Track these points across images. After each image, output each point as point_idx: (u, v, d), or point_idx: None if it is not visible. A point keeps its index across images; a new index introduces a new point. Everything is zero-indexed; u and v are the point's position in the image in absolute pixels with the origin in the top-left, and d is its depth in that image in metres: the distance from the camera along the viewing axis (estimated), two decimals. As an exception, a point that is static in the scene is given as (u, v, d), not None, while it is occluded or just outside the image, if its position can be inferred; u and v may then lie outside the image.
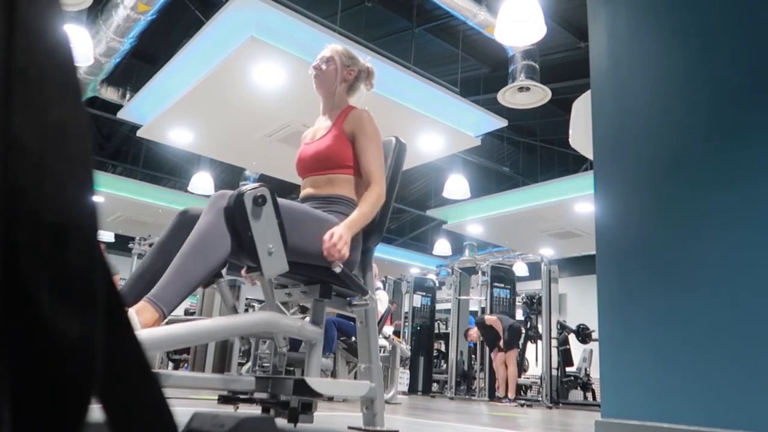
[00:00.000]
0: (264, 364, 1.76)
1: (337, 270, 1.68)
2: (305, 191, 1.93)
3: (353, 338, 4.72)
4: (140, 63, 7.27)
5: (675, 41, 1.79)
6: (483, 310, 8.97)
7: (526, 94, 5.74)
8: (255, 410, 1.79)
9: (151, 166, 10.01)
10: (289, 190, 8.48)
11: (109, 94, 6.61)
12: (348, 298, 1.91)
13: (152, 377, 0.34)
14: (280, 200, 1.61)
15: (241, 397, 1.70)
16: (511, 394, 7.39)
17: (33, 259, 0.28)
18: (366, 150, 1.88)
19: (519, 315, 9.24)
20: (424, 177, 10.70)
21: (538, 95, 5.74)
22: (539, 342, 8.12)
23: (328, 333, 4.45)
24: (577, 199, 7.40)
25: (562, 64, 6.84)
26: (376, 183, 1.86)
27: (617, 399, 1.65)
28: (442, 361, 10.51)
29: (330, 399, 4.07)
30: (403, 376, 7.23)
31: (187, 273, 1.43)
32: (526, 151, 9.89)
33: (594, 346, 7.95)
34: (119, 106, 6.42)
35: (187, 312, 7.55)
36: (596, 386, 7.70)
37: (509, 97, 5.78)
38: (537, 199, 7.88)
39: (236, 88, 5.16)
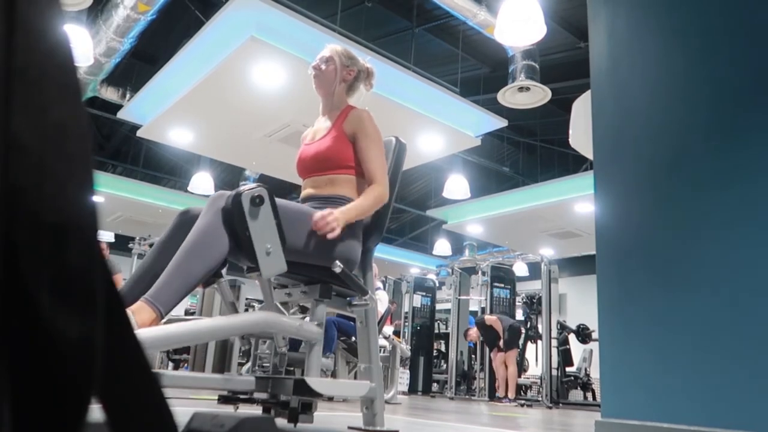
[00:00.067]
0: (264, 364, 1.76)
1: (337, 270, 1.68)
2: (306, 191, 1.93)
3: (353, 338, 4.72)
4: (140, 63, 7.27)
5: (675, 41, 1.79)
6: (483, 310, 8.97)
7: (526, 94, 5.74)
8: (255, 410, 1.79)
9: (151, 166, 10.01)
10: (289, 190, 8.49)
11: (109, 94, 6.61)
12: (348, 298, 1.91)
13: (152, 377, 0.34)
14: (279, 201, 1.61)
15: (241, 397, 1.70)
16: (511, 394, 7.39)
17: (33, 259, 0.28)
18: (367, 150, 1.88)
19: (519, 315, 9.24)
20: (424, 177, 10.70)
21: (538, 95, 5.74)
22: (539, 342, 8.12)
23: (328, 333, 4.44)
24: (577, 199, 7.40)
25: (562, 64, 6.84)
26: (378, 183, 1.86)
27: (617, 399, 1.65)
28: (442, 361, 10.51)
29: (330, 399, 4.07)
30: (403, 376, 7.23)
31: (184, 273, 1.44)
32: (526, 151, 9.89)
33: (594, 346, 7.95)
34: (119, 106, 6.42)
35: (187, 312, 7.56)
36: (596, 386, 7.71)
37: (509, 97, 5.78)
38: (537, 199, 7.88)
39: (236, 88, 5.16)
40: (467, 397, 8.97)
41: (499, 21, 4.34)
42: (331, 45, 2.05)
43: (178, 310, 1.49)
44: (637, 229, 1.73)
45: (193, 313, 6.86)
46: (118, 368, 0.33)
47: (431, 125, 5.69)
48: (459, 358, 9.16)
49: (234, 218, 1.50)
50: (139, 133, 6.47)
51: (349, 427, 1.92)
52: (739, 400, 1.39)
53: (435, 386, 10.01)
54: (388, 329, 5.88)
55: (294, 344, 2.78)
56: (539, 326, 8.30)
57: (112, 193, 8.21)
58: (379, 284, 6.53)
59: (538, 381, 8.16)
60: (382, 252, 11.09)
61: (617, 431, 1.59)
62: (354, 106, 1.99)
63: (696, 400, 1.47)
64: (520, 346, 8.12)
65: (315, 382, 1.54)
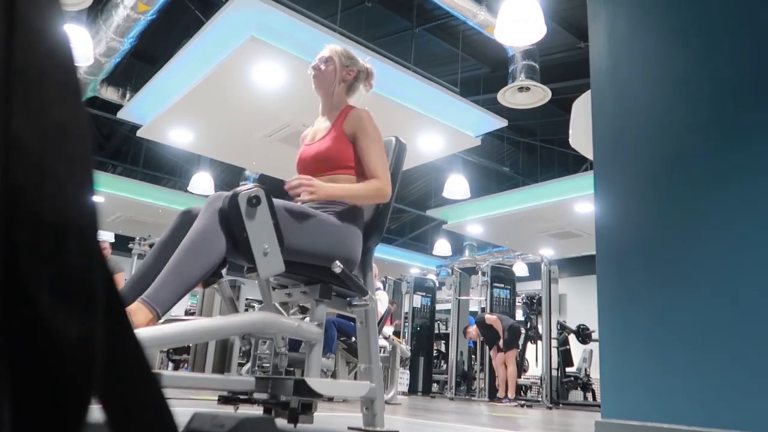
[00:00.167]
0: (264, 365, 1.76)
1: (337, 270, 1.68)
2: (306, 192, 1.92)
3: (353, 338, 4.72)
4: (140, 63, 7.27)
5: (675, 41, 1.79)
6: (483, 310, 8.97)
7: (526, 94, 5.74)
8: (255, 411, 1.79)
9: (151, 166, 10.01)
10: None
11: (109, 94, 6.61)
12: (348, 299, 1.91)
13: (152, 377, 0.34)
14: (277, 201, 1.61)
15: (241, 397, 1.70)
16: (511, 394, 7.39)
17: (33, 259, 0.28)
18: (368, 149, 1.87)
19: (519, 315, 9.24)
20: (424, 177, 10.70)
21: (538, 95, 5.74)
22: (539, 342, 8.12)
23: (328, 333, 4.44)
24: (577, 199, 7.40)
25: (562, 64, 6.85)
26: (379, 179, 1.85)
27: (617, 399, 1.65)
28: (442, 362, 10.51)
29: (330, 399, 4.07)
30: (403, 377, 7.23)
31: (181, 274, 1.44)
32: (526, 151, 9.90)
33: (594, 346, 7.95)
34: (119, 106, 6.42)
35: (187, 312, 7.56)
36: (596, 386, 7.71)
37: (509, 97, 5.78)
38: (537, 199, 7.88)
39: (236, 88, 5.16)
40: (467, 397, 8.97)
41: (499, 21, 4.34)
42: (331, 45, 2.05)
43: (178, 310, 1.49)
44: (637, 229, 1.73)
45: (193, 313, 6.86)
46: (118, 368, 0.32)
47: (431, 125, 5.69)
48: (459, 359, 9.16)
49: (231, 219, 1.50)
50: (139, 133, 6.47)
51: (349, 428, 1.92)
52: (739, 400, 1.39)
53: (435, 387, 10.01)
54: (388, 329, 5.88)
55: (294, 344, 2.78)
56: (539, 326, 8.30)
57: (112, 193, 8.21)
58: (379, 284, 6.53)
59: (538, 381, 8.16)
60: (382, 252, 11.09)
61: (617, 431, 1.59)
62: (353, 106, 1.99)
63: (696, 400, 1.47)
64: (520, 347, 8.12)
65: (315, 382, 1.54)
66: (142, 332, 1.30)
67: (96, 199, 0.31)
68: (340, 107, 1.99)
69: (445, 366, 9.90)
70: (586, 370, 8.76)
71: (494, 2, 5.21)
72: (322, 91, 2.01)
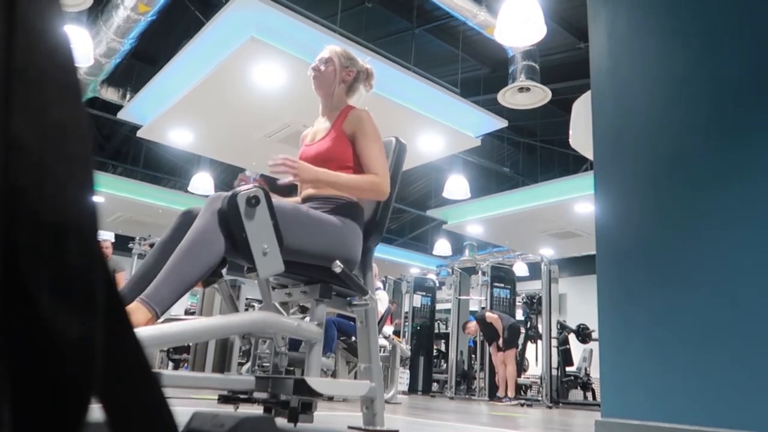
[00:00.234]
0: (264, 364, 1.76)
1: (337, 270, 1.68)
2: (306, 192, 1.93)
3: (353, 338, 4.72)
4: (140, 63, 7.27)
5: (675, 41, 1.79)
6: (484, 309, 8.97)
7: (526, 95, 5.74)
8: (255, 410, 1.79)
9: (151, 166, 10.01)
10: (289, 189, 8.48)
11: (109, 94, 6.61)
12: (348, 298, 1.91)
13: (152, 377, 0.34)
14: (277, 201, 1.61)
15: (241, 396, 1.70)
16: (511, 393, 7.39)
17: (33, 259, 0.28)
18: (367, 149, 1.87)
19: (519, 315, 9.24)
20: (424, 177, 10.70)
21: (538, 96, 5.74)
22: (539, 342, 8.12)
23: (328, 333, 4.45)
24: (577, 199, 7.40)
25: (562, 65, 6.84)
26: (377, 176, 1.84)
27: (617, 399, 1.65)
28: (442, 361, 10.51)
29: (330, 399, 4.07)
30: (403, 376, 7.23)
31: (180, 273, 1.44)
32: (526, 152, 9.89)
33: (594, 346, 7.95)
34: (119, 107, 6.42)
35: (187, 311, 7.56)
36: (596, 386, 7.71)
37: (509, 97, 5.78)
38: (537, 199, 7.88)
39: (236, 89, 5.16)
40: (467, 396, 8.97)
41: (499, 21, 4.34)
42: (331, 46, 2.05)
43: (178, 310, 1.49)
44: (637, 229, 1.73)
45: (193, 313, 6.86)
46: (118, 368, 0.33)
47: (431, 125, 5.69)
48: (459, 358, 9.16)
49: (230, 219, 1.50)
50: (139, 134, 6.47)
51: (349, 427, 1.92)
52: (739, 400, 1.39)
53: (435, 386, 10.01)
54: (388, 329, 5.88)
55: (294, 344, 2.79)
56: (539, 326, 8.30)
57: (112, 194, 8.21)
58: (379, 284, 6.53)
59: (538, 381, 8.16)
60: (382, 252, 11.09)
61: (617, 431, 1.59)
62: (353, 107, 1.99)
63: (696, 400, 1.47)
64: (520, 346, 8.12)
65: (315, 381, 1.54)
66: (142, 332, 1.30)
67: (96, 199, 0.31)
68: (340, 108, 1.99)
69: (445, 365, 9.90)
70: (586, 369, 8.76)
71: (494, 2, 5.22)
72: (322, 92, 2.01)
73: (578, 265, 11.35)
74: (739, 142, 1.55)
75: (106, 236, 6.35)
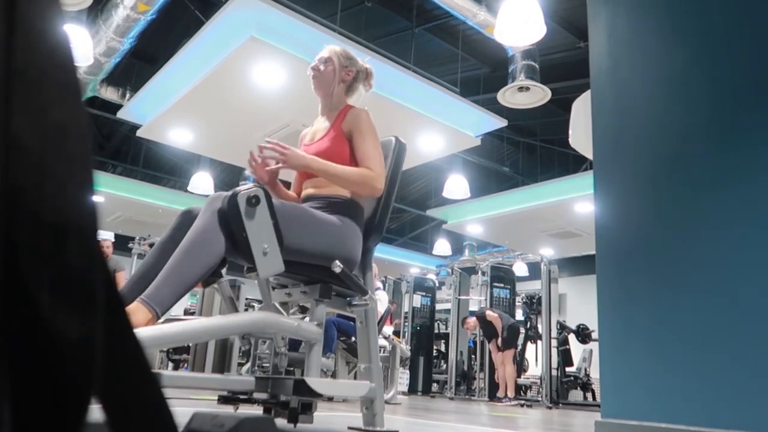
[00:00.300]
0: (264, 365, 1.76)
1: (337, 270, 1.68)
2: (307, 191, 1.93)
3: (353, 338, 4.72)
4: (140, 63, 7.27)
5: (675, 41, 1.79)
6: (483, 307, 8.97)
7: (526, 94, 5.74)
8: (255, 410, 1.79)
9: (151, 166, 10.01)
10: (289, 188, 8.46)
11: (109, 94, 6.61)
12: (348, 298, 1.91)
13: (152, 377, 0.34)
14: (280, 202, 1.61)
15: (241, 397, 1.70)
16: (511, 393, 7.39)
17: (33, 259, 0.28)
18: (362, 145, 1.87)
19: (519, 315, 9.24)
20: (424, 177, 10.70)
21: (538, 95, 5.74)
22: (539, 342, 8.12)
23: (328, 333, 4.45)
24: (577, 199, 7.40)
25: (562, 64, 6.84)
26: (370, 170, 1.83)
27: (617, 399, 1.65)
28: (442, 361, 10.51)
29: (330, 399, 4.07)
30: (403, 377, 7.23)
31: (181, 274, 1.44)
32: (526, 151, 9.90)
33: (594, 346, 7.95)
34: (119, 106, 6.42)
35: (186, 312, 7.56)
36: (596, 386, 7.70)
37: (509, 97, 5.78)
38: (537, 199, 7.89)
39: (236, 88, 5.16)
40: (467, 397, 8.98)
41: (499, 21, 4.34)
42: (330, 46, 2.05)
43: (177, 310, 1.49)
44: (637, 229, 1.73)
45: (192, 313, 6.86)
46: (118, 368, 0.32)
47: (431, 125, 5.69)
48: (459, 358, 9.16)
49: (230, 219, 1.50)
50: (139, 133, 6.47)
51: (349, 428, 1.92)
52: (739, 400, 1.39)
53: (435, 386, 10.01)
54: (388, 329, 5.88)
55: (294, 344, 2.79)
56: (539, 326, 8.30)
57: (112, 193, 8.21)
58: (379, 284, 6.53)
59: (538, 381, 8.16)
60: (382, 252, 11.09)
61: (617, 431, 1.59)
62: (353, 106, 1.99)
63: (696, 400, 1.47)
64: (519, 346, 8.12)
65: (315, 382, 1.54)
66: (142, 332, 1.30)
67: (96, 199, 0.31)
68: (340, 107, 1.99)
69: (444, 366, 9.90)
70: (586, 369, 8.76)
71: (494, 2, 5.21)
72: (321, 92, 2.01)
73: (578, 265, 11.36)
74: (739, 142, 1.55)
75: (106, 236, 6.35)
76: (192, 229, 1.51)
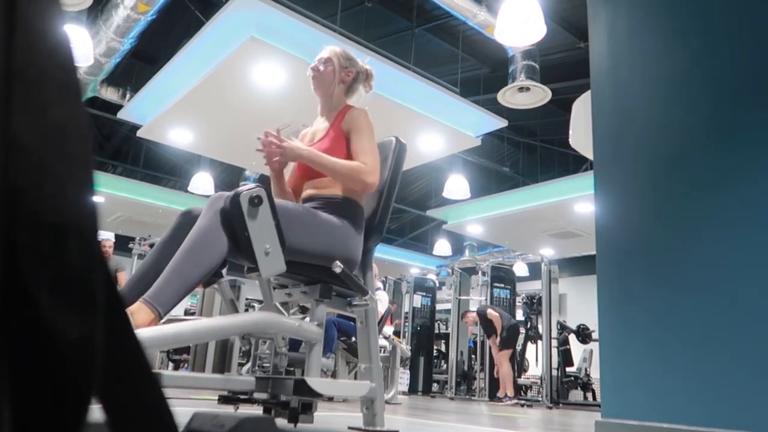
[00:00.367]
0: (264, 365, 1.76)
1: (337, 270, 1.68)
2: (307, 192, 1.93)
3: (353, 338, 4.72)
4: (140, 63, 7.27)
5: (675, 41, 1.79)
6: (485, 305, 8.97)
7: (526, 94, 5.74)
8: (255, 410, 1.79)
9: (151, 166, 10.01)
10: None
11: (109, 94, 6.61)
12: (348, 298, 1.91)
13: (152, 377, 0.34)
14: (281, 202, 1.62)
15: (241, 397, 1.70)
16: (510, 392, 7.38)
17: (33, 259, 0.28)
18: (357, 142, 1.87)
19: (519, 315, 9.24)
20: (424, 177, 10.70)
21: (538, 95, 5.74)
22: (539, 342, 8.11)
23: (328, 333, 4.45)
24: (577, 199, 7.40)
25: (562, 64, 6.84)
26: (364, 164, 1.82)
27: (617, 399, 1.65)
28: (442, 362, 10.51)
29: (330, 399, 4.07)
30: (403, 377, 7.23)
31: (183, 274, 1.44)
32: (526, 151, 9.89)
33: (594, 346, 7.95)
34: (119, 106, 6.42)
35: (187, 312, 7.56)
36: (596, 386, 7.71)
37: (509, 97, 5.78)
38: (537, 199, 7.88)
39: (236, 88, 5.16)
40: (467, 397, 8.97)
41: (499, 21, 4.34)
42: (330, 46, 2.05)
43: (178, 310, 1.49)
44: (637, 229, 1.73)
45: (193, 313, 6.86)
46: (118, 368, 0.32)
47: (431, 125, 5.69)
48: (459, 358, 9.16)
49: (233, 218, 1.50)
50: (139, 133, 6.47)
51: (349, 428, 1.92)
52: (739, 400, 1.39)
53: (435, 386, 10.01)
54: (388, 329, 5.88)
55: (294, 344, 2.79)
56: (539, 326, 8.30)
57: (112, 193, 8.21)
58: (379, 284, 6.53)
59: (538, 381, 8.16)
60: (382, 252, 11.09)
61: (617, 431, 1.59)
62: (352, 106, 1.99)
63: (696, 400, 1.47)
64: (519, 347, 8.11)
65: (315, 382, 1.54)
66: (143, 333, 1.29)
67: (96, 199, 0.31)
68: (339, 108, 1.99)
69: (445, 366, 9.90)
70: (586, 369, 8.76)
71: (494, 2, 5.21)
72: (321, 92, 2.01)
73: (578, 265, 11.35)
74: (739, 142, 1.55)
75: (106, 236, 6.35)
76: (194, 229, 1.51)
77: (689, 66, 1.73)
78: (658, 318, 1.60)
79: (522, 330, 8.37)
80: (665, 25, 1.83)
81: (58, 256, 0.29)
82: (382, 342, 5.27)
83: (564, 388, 8.03)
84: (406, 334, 9.57)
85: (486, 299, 8.81)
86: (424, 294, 9.93)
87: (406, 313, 9.86)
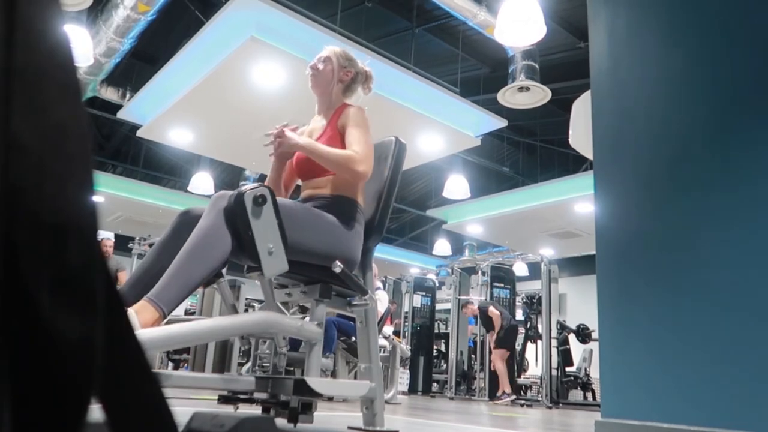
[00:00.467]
0: (264, 364, 1.76)
1: (337, 270, 1.68)
2: (306, 192, 1.93)
3: (353, 338, 4.72)
4: (140, 63, 7.27)
5: (675, 41, 1.79)
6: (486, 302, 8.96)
7: (526, 94, 5.74)
8: (255, 410, 1.79)
9: (151, 166, 10.01)
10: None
11: (109, 94, 6.61)
12: (348, 298, 1.91)
13: (152, 377, 0.34)
14: (281, 201, 1.61)
15: (241, 397, 1.70)
16: (507, 389, 7.37)
17: (33, 259, 0.28)
18: (349, 134, 1.86)
19: (519, 315, 9.24)
20: (424, 177, 10.70)
21: (538, 95, 5.74)
22: (539, 342, 8.11)
23: (328, 333, 4.45)
24: (577, 199, 7.40)
25: (562, 64, 6.84)
26: (355, 153, 1.81)
27: (617, 399, 1.65)
28: (442, 361, 10.51)
29: (330, 399, 4.07)
30: (403, 376, 7.23)
31: (187, 273, 1.44)
32: (526, 151, 9.89)
33: (594, 346, 7.95)
34: (119, 106, 6.42)
35: (187, 312, 7.56)
36: (596, 386, 7.70)
37: (509, 97, 5.78)
38: (537, 199, 7.88)
39: (236, 88, 5.16)
40: (467, 397, 8.97)
41: (499, 21, 4.34)
42: (330, 46, 2.06)
43: (178, 310, 1.49)
44: (637, 229, 1.73)
45: (193, 313, 6.86)
46: (118, 368, 0.32)
47: (431, 125, 5.69)
48: (459, 358, 9.16)
49: (236, 218, 1.50)
50: (139, 133, 6.47)
51: (349, 427, 1.92)
52: (739, 400, 1.39)
53: (435, 386, 10.01)
54: (388, 329, 5.88)
55: (294, 344, 2.79)
56: (539, 326, 8.30)
57: (112, 193, 8.21)
58: (379, 284, 6.53)
59: (538, 381, 8.16)
60: (382, 252, 11.09)
61: (617, 431, 1.59)
62: (349, 104, 1.99)
63: (696, 400, 1.47)
64: (519, 347, 8.11)
65: (315, 382, 1.54)
66: (147, 333, 1.29)
67: (96, 199, 0.31)
68: (336, 106, 1.99)
69: (445, 366, 9.89)
70: (586, 369, 8.76)
71: (494, 2, 5.21)
72: (319, 90, 2.01)
73: (578, 265, 11.35)
74: (739, 142, 1.55)
75: (106, 236, 6.34)
76: (197, 229, 1.50)
77: (689, 66, 1.73)
78: (658, 318, 1.60)
79: (522, 330, 8.36)
80: (665, 26, 1.83)
81: (58, 256, 0.29)
82: (382, 342, 5.27)
83: (564, 387, 8.03)
84: (406, 333, 9.57)
85: (486, 299, 8.81)
86: (424, 294, 9.93)
87: (406, 312, 9.86)
